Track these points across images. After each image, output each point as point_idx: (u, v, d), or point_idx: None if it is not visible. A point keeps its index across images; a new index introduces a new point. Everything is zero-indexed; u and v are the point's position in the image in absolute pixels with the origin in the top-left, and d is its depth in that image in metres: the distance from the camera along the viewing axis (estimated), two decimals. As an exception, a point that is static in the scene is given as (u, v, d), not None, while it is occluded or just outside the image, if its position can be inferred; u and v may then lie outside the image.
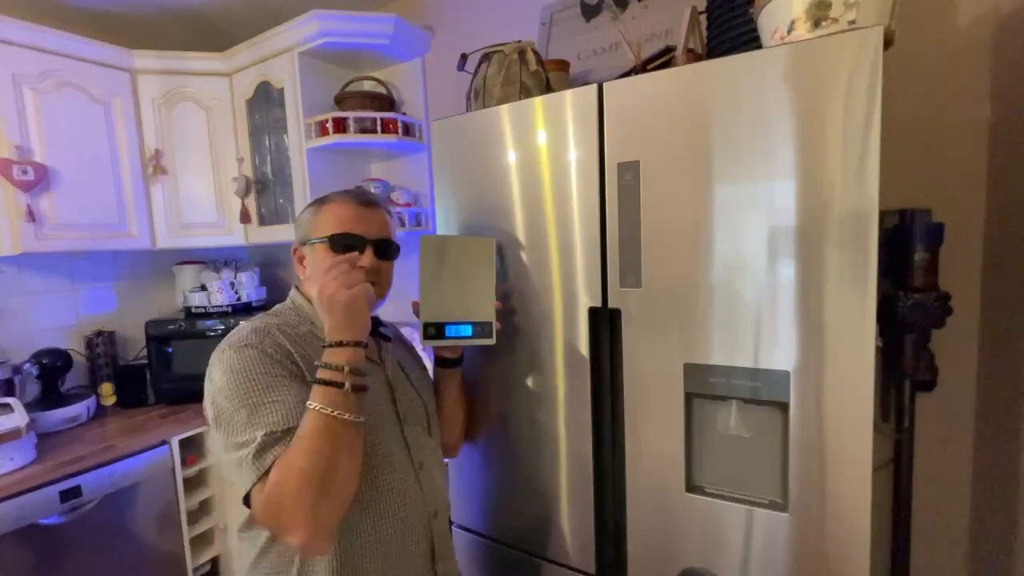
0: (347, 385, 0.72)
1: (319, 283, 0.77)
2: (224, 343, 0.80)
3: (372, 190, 1.88)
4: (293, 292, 0.94)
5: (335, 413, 0.70)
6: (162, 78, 1.95)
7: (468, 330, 0.96)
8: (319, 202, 0.92)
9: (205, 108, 2.00)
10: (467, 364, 1.06)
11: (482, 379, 1.09)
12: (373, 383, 0.88)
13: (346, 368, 0.72)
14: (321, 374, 0.73)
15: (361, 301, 0.77)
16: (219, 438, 0.75)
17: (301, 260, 0.92)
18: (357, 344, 0.75)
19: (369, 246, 0.87)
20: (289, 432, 0.71)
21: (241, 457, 0.71)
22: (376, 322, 1.00)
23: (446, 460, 1.08)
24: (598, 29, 1.53)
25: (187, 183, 2.02)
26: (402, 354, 1.02)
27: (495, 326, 0.97)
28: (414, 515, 0.89)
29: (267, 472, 0.69)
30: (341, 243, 0.86)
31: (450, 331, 0.96)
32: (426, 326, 0.95)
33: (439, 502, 0.95)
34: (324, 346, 0.75)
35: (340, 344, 0.74)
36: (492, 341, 0.97)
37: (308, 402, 0.71)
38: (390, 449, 0.87)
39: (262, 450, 0.70)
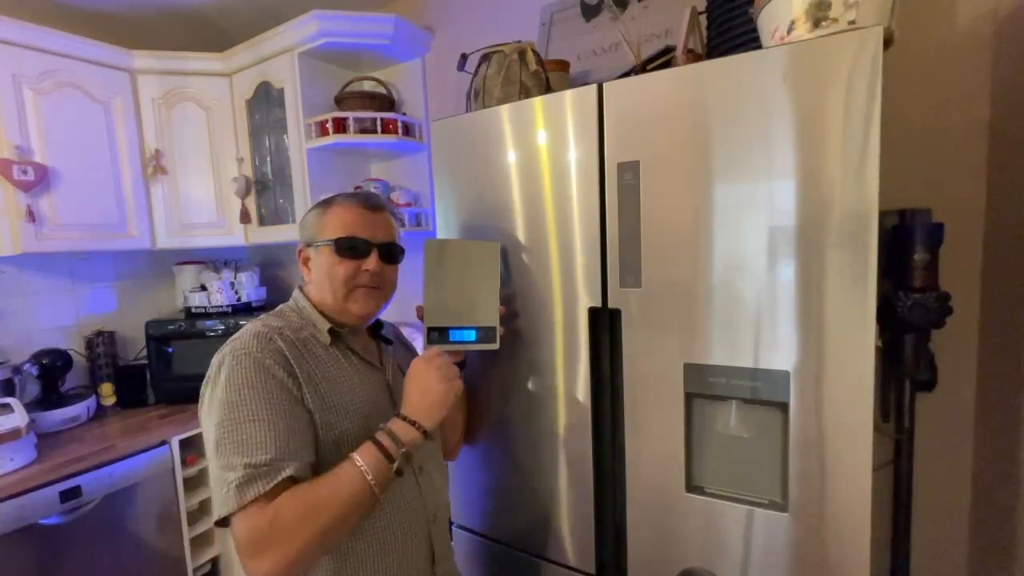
0: (396, 463, 0.75)
1: (343, 293, 0.86)
2: (226, 346, 0.80)
3: (372, 190, 1.88)
4: (297, 293, 0.93)
5: (373, 484, 0.73)
6: (162, 78, 1.95)
7: (472, 335, 0.96)
8: (325, 204, 0.91)
9: (205, 108, 2.00)
10: (467, 365, 1.06)
11: (482, 379, 1.09)
12: (370, 388, 0.89)
13: (404, 449, 0.77)
14: (380, 437, 0.77)
15: (453, 398, 0.84)
16: (208, 448, 0.75)
17: (306, 262, 0.91)
18: (425, 433, 0.80)
19: (374, 250, 0.88)
20: (276, 464, 0.71)
21: (224, 480, 0.71)
22: (377, 325, 1.00)
23: (445, 462, 1.08)
24: (598, 29, 1.53)
25: (187, 183, 2.02)
26: (403, 356, 1.02)
27: (499, 331, 0.97)
28: (413, 519, 0.89)
29: (253, 501, 0.69)
30: (346, 247, 0.86)
31: (454, 335, 0.95)
32: (430, 330, 0.95)
33: (438, 506, 0.95)
34: (397, 414, 0.81)
35: (413, 424, 0.79)
36: (496, 346, 0.97)
37: (355, 456, 0.74)
38: None
39: (246, 482, 0.69)
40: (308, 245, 0.90)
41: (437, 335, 0.94)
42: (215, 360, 0.79)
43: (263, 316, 0.89)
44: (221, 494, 0.71)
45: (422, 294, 0.95)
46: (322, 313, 0.89)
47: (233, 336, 0.82)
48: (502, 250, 1.00)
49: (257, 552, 0.68)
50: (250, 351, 0.77)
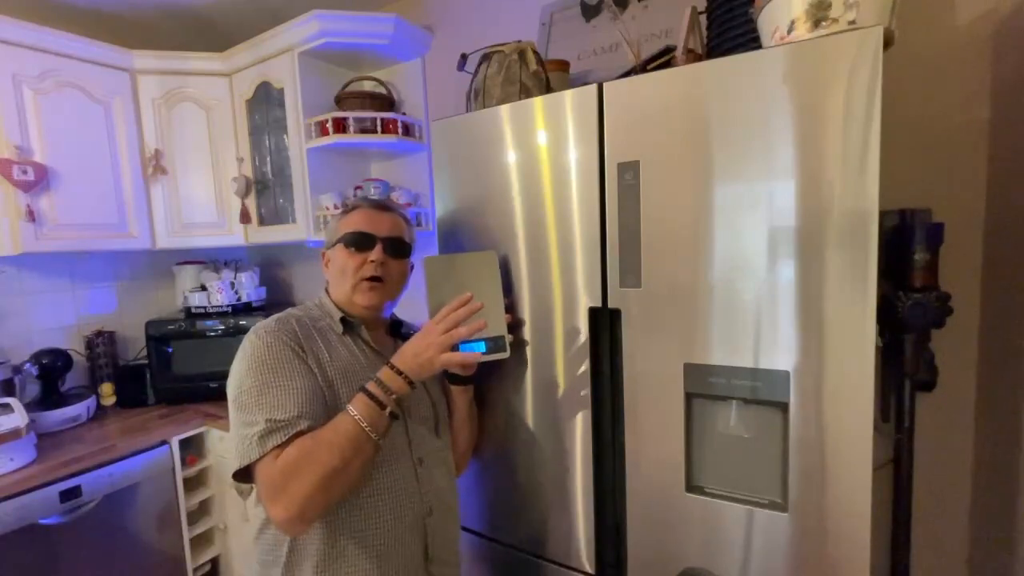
0: (388, 409, 0.81)
1: (351, 284, 0.93)
2: (250, 330, 0.89)
3: (372, 190, 1.88)
4: (322, 292, 1.01)
5: (367, 428, 0.78)
6: (162, 78, 1.95)
7: (482, 346, 0.95)
8: (343, 210, 1.01)
9: (205, 108, 2.00)
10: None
11: (482, 380, 1.09)
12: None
13: (394, 395, 0.82)
14: (370, 387, 0.82)
15: (440, 364, 0.85)
16: (232, 413, 0.84)
17: (327, 264, 1.00)
18: (412, 383, 0.84)
19: (379, 243, 0.95)
20: (295, 420, 0.79)
21: (246, 435, 0.79)
22: (396, 323, 1.05)
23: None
24: (598, 29, 1.53)
25: (187, 183, 2.02)
26: None
27: (508, 339, 0.96)
28: (407, 509, 0.90)
29: (272, 450, 0.77)
30: (352, 241, 0.94)
31: (464, 349, 0.95)
32: None
33: (436, 500, 0.96)
34: (387, 364, 0.85)
35: (400, 373, 0.83)
36: (507, 354, 0.96)
37: (349, 407, 0.80)
38: (389, 443, 0.89)
39: (267, 434, 0.77)
40: (328, 247, 0.99)
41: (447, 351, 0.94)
42: (244, 339, 0.88)
43: (289, 308, 0.97)
44: (243, 447, 0.79)
45: (426, 312, 0.95)
46: (339, 307, 0.96)
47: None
48: (500, 258, 1.00)
49: (272, 497, 0.76)
50: (270, 330, 0.88)
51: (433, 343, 0.84)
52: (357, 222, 0.96)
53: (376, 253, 0.94)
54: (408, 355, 0.85)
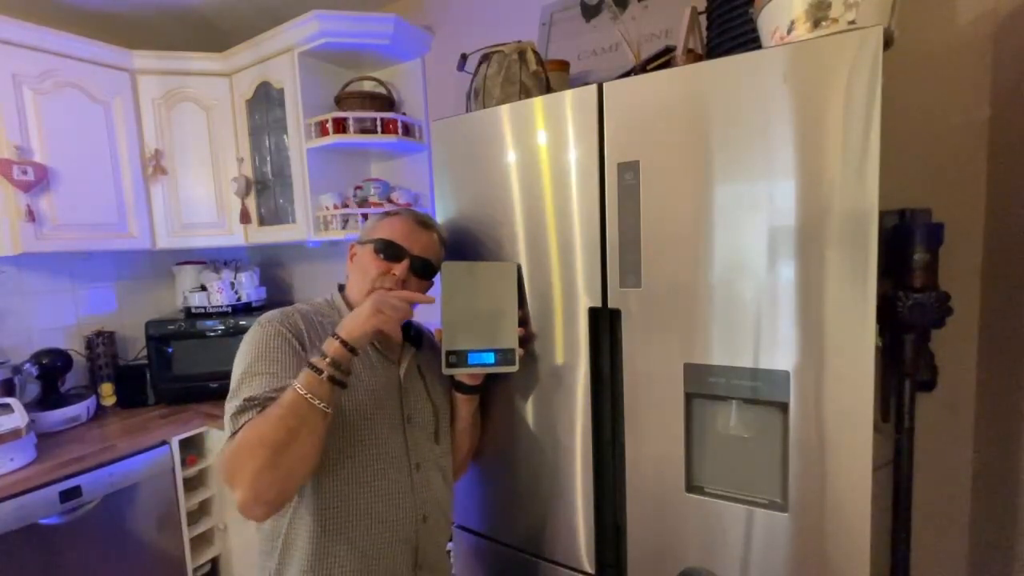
0: (324, 373, 0.78)
1: (367, 289, 0.91)
2: (256, 321, 0.91)
3: (372, 190, 1.89)
4: (335, 289, 1.02)
5: (307, 396, 0.76)
6: (162, 78, 1.95)
7: (490, 358, 0.95)
8: (387, 213, 1.01)
9: (205, 108, 2.00)
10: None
11: (482, 380, 1.09)
12: (380, 380, 0.92)
13: (328, 358, 0.79)
14: (312, 359, 0.80)
15: (375, 324, 0.82)
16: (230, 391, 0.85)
17: (352, 258, 0.99)
18: (345, 344, 0.81)
19: (407, 259, 0.93)
20: (268, 401, 0.79)
21: (227, 414, 0.81)
22: (408, 327, 1.02)
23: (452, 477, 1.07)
24: (598, 29, 1.53)
25: (187, 183, 2.02)
26: (430, 360, 1.03)
27: (518, 353, 0.96)
28: (400, 514, 0.90)
29: (237, 431, 0.78)
30: (382, 248, 0.93)
31: (472, 359, 0.95)
32: (448, 354, 0.95)
33: (431, 507, 0.96)
34: (332, 334, 0.83)
35: (336, 338, 0.81)
36: (515, 368, 0.96)
37: (293, 380, 0.79)
38: (386, 446, 0.90)
39: (239, 412, 0.80)
40: (359, 244, 0.99)
41: (455, 359, 0.94)
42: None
43: (298, 303, 0.98)
44: (225, 428, 0.81)
45: (440, 318, 0.95)
46: (350, 306, 0.95)
47: None
48: (519, 270, 1.00)
49: (229, 480, 0.76)
50: (272, 321, 0.89)
51: (368, 305, 0.82)
52: (394, 230, 0.94)
53: (401, 269, 0.92)
54: (346, 320, 0.83)
